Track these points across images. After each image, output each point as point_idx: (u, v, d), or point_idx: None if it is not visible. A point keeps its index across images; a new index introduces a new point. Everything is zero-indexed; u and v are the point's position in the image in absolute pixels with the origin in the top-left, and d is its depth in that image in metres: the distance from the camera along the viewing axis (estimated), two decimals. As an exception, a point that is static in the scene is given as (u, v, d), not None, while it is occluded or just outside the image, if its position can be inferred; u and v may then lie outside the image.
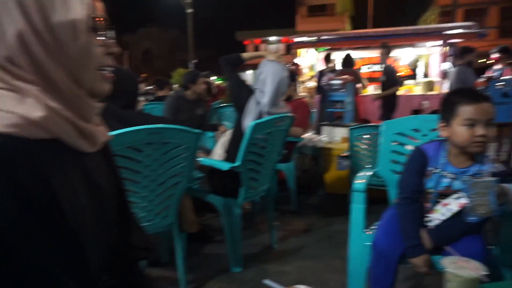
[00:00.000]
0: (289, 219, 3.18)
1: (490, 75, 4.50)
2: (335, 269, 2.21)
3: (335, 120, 4.42)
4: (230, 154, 2.22)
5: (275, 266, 2.33)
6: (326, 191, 3.80)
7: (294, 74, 3.61)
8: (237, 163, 1.98)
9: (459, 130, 1.34)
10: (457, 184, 1.37)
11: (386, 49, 5.40)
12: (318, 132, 4.53)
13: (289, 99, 3.51)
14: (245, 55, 2.48)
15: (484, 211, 1.20)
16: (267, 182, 2.35)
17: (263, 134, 2.07)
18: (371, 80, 7.24)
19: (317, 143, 3.80)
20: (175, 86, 7.70)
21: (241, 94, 2.36)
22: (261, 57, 2.50)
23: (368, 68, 7.48)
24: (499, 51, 5.12)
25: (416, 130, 1.85)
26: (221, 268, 2.24)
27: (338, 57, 7.46)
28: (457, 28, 5.93)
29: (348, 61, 6.00)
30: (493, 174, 1.30)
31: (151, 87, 10.02)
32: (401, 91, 6.77)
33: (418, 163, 1.47)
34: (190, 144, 1.64)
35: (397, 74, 5.59)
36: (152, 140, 1.50)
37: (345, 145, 3.44)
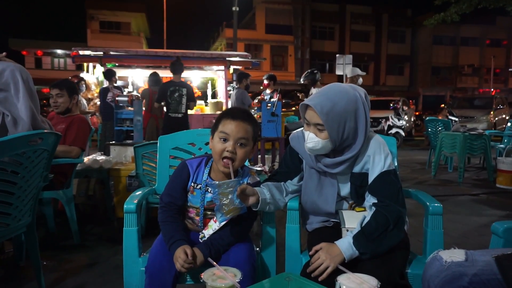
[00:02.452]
0: (69, 256, 2.71)
1: (262, 97, 5.27)
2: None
3: (125, 139, 4.17)
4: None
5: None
6: (117, 216, 3.49)
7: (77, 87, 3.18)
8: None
9: (215, 142, 1.41)
10: None
11: (172, 65, 5.46)
12: (107, 152, 4.16)
13: (66, 112, 3.06)
14: None
15: (228, 209, 1.25)
16: (27, 216, 1.90)
17: (12, 156, 1.65)
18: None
19: (104, 164, 3.45)
20: None
21: None
22: None
23: (161, 87, 7.55)
24: (267, 79, 6.10)
25: (191, 144, 1.88)
26: None
27: (129, 74, 7.24)
28: (235, 56, 6.75)
29: (155, 80, 5.83)
30: (251, 186, 1.41)
31: None
32: (192, 111, 7.15)
33: (180, 177, 1.47)
34: None
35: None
36: None
37: (136, 165, 3.25)
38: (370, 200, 1.42)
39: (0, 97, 1.82)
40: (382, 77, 32.09)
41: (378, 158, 1.42)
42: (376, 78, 31.86)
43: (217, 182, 1.25)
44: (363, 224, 1.34)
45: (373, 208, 1.38)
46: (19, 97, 1.88)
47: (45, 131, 1.87)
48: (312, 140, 1.40)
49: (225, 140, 1.38)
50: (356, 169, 1.46)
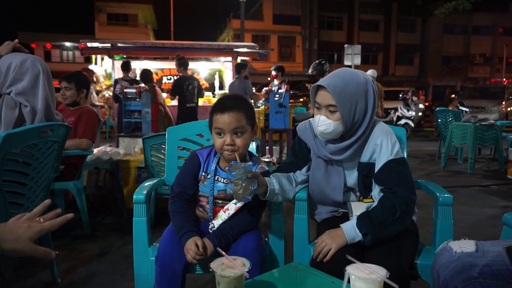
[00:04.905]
0: (80, 245, 2.76)
1: (269, 88, 5.23)
2: (130, 291, 2.01)
3: (134, 130, 4.20)
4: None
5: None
6: (127, 206, 3.53)
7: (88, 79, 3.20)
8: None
9: (214, 138, 1.42)
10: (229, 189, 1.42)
11: (182, 61, 5.62)
12: (115, 143, 4.20)
13: (74, 105, 3.08)
14: None
15: (242, 193, 1.24)
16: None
17: (24, 148, 1.67)
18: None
19: (113, 156, 3.48)
20: None
21: None
22: None
23: (168, 79, 7.53)
24: (275, 70, 6.06)
25: (199, 135, 1.88)
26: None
27: (137, 66, 7.26)
28: (242, 47, 6.71)
29: (145, 76, 5.88)
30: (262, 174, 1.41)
31: None
32: (200, 102, 7.16)
33: (191, 167, 1.48)
34: None
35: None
36: None
37: (145, 156, 3.27)
38: (376, 189, 1.42)
39: (19, 88, 1.84)
40: (391, 67, 31.67)
41: (385, 147, 1.40)
42: (385, 68, 31.44)
43: (232, 164, 1.24)
44: (370, 209, 1.35)
45: (381, 194, 1.37)
46: (39, 88, 1.89)
47: (56, 122, 1.89)
48: (323, 122, 1.39)
49: (221, 134, 1.38)
50: (364, 158, 1.45)
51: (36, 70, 1.89)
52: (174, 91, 5.80)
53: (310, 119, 1.59)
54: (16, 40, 1.99)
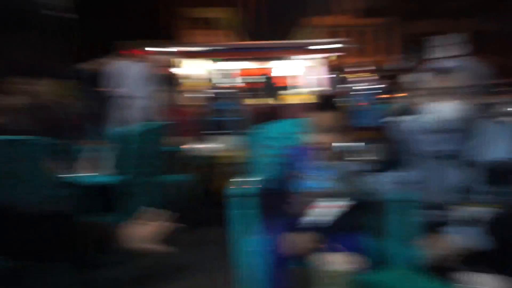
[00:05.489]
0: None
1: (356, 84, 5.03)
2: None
3: (225, 128, 4.41)
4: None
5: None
6: (222, 200, 3.67)
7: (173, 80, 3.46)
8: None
9: (310, 136, 1.49)
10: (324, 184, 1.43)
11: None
12: (206, 140, 4.45)
13: (169, 105, 3.35)
14: None
15: (342, 191, 1.25)
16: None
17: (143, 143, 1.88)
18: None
19: (207, 152, 3.69)
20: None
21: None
22: None
23: (257, 79, 7.71)
24: (361, 66, 5.82)
25: (286, 134, 1.89)
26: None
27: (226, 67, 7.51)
28: (327, 44, 6.59)
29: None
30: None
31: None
32: (291, 100, 7.15)
33: (282, 164, 1.54)
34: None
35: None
36: None
37: (235, 153, 3.40)
38: (481, 190, 1.29)
39: (129, 94, 2.08)
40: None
41: (501, 145, 1.28)
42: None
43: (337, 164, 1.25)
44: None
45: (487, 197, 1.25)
46: (149, 90, 2.11)
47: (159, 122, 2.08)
48: (448, 107, 1.33)
49: (317, 132, 1.43)
50: (474, 155, 1.32)
51: (145, 74, 2.11)
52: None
53: (402, 116, 1.53)
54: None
